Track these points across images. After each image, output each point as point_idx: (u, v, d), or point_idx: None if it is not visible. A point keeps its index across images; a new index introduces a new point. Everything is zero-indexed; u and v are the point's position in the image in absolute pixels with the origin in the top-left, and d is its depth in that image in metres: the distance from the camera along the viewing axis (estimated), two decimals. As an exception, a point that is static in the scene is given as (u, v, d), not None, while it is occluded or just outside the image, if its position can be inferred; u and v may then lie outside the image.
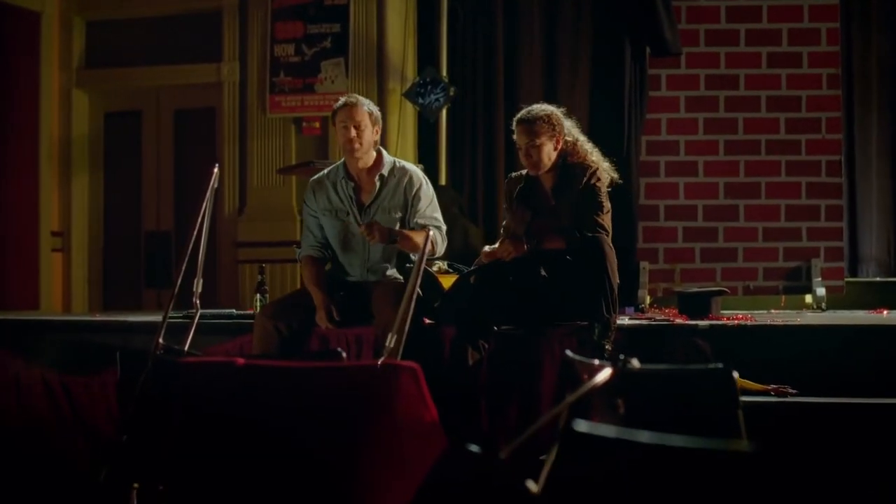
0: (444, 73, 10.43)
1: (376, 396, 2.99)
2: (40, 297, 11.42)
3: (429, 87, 10.37)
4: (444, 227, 6.86)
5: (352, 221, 6.88)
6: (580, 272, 6.37)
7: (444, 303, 6.81)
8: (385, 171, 6.88)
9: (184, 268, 4.61)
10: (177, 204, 11.60)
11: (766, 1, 9.92)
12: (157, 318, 8.09)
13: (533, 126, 6.58)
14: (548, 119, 6.60)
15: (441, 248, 6.83)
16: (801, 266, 9.78)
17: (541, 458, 5.43)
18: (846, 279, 9.95)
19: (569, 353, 3.51)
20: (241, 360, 3.10)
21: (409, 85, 10.48)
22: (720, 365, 3.07)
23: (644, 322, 7.02)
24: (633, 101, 9.84)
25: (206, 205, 4.54)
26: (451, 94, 10.36)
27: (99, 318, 8.57)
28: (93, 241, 11.82)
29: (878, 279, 10.20)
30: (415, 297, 4.60)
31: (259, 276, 7.76)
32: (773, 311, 9.10)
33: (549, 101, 10.09)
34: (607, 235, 6.43)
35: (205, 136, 11.46)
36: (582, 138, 6.77)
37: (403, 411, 3.00)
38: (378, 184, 6.86)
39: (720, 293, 7.48)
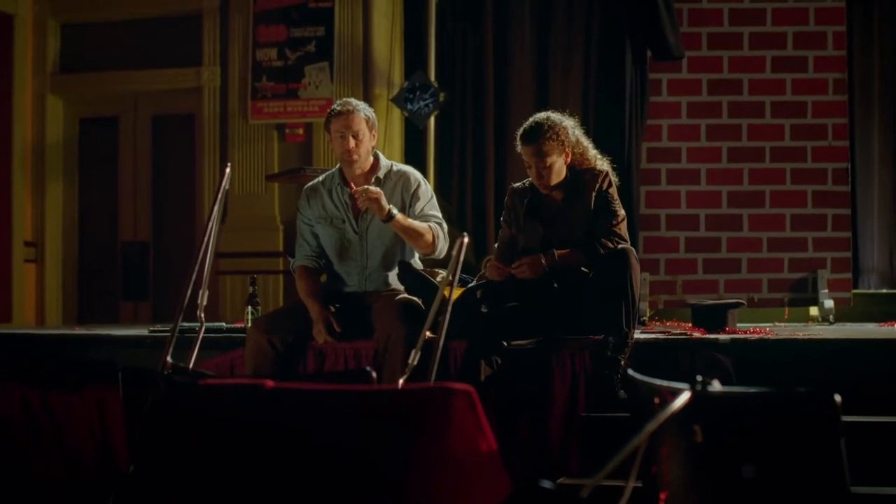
0: (433, 78, 10.16)
1: (426, 425, 2.63)
2: (13, 309, 11.19)
3: (417, 92, 10.09)
4: (445, 226, 6.64)
5: (348, 229, 6.65)
6: (601, 284, 6.15)
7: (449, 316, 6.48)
8: (381, 174, 6.64)
9: (193, 278, 4.22)
10: (154, 213, 11.44)
11: (770, 3, 9.69)
12: (141, 331, 7.88)
13: (542, 146, 6.31)
14: (555, 135, 6.33)
15: (443, 245, 6.57)
16: (808, 277, 9.57)
17: (559, 480, 5.06)
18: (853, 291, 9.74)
19: (632, 373, 3.15)
20: (269, 383, 2.73)
21: (395, 90, 10.25)
22: (812, 388, 2.72)
23: (661, 336, 6.73)
24: (633, 106, 9.57)
25: (217, 207, 4.18)
26: (441, 99, 10.09)
27: (80, 331, 8.25)
28: (67, 251, 11.60)
29: (884, 291, 9.99)
30: (451, 312, 4.28)
31: (251, 288, 7.42)
32: (777, 323, 8.84)
33: (542, 107, 9.96)
34: (626, 243, 6.24)
35: (184, 143, 11.29)
36: (586, 142, 6.54)
37: (458, 442, 2.64)
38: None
39: (736, 305, 7.18)
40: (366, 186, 6.35)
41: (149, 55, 11.21)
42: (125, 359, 7.23)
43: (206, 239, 4.14)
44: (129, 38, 11.28)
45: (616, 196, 6.37)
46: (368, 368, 3.46)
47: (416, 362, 4.07)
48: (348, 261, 6.67)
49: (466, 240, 3.85)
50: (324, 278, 6.83)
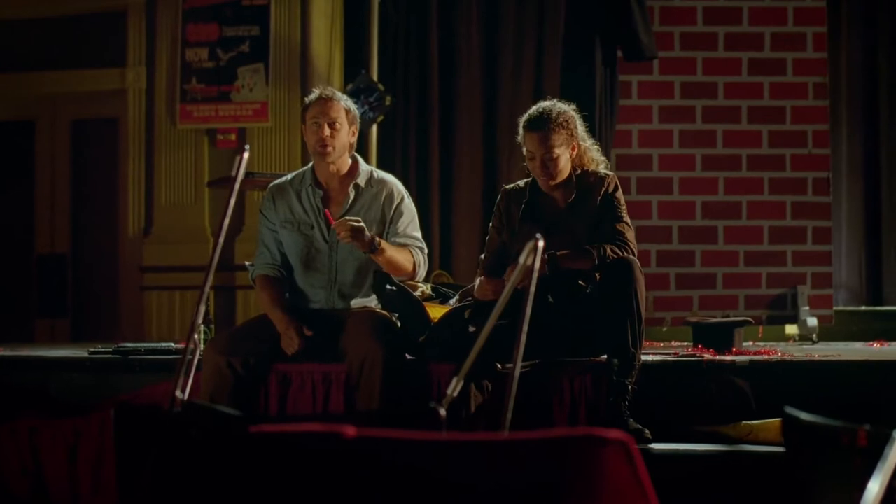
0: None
1: (569, 483, 1.96)
2: (-85, 328, 10.64)
3: (362, 95, 9.47)
4: (426, 250, 6.12)
5: (317, 236, 6.06)
6: (602, 299, 5.65)
7: (432, 337, 5.95)
8: (361, 181, 6.10)
9: (206, 288, 3.51)
10: (74, 224, 10.92)
11: (746, 2, 9.28)
12: (78, 353, 7.20)
13: (549, 133, 5.75)
14: (565, 122, 5.80)
15: (422, 273, 6.08)
16: (787, 293, 9.14)
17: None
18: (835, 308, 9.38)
19: (791, 410, 2.50)
20: (350, 431, 2.06)
21: (336, 94, 9.62)
22: None
23: (669, 358, 6.19)
24: (603, 110, 9.12)
25: (233, 200, 3.51)
26: (388, 103, 9.54)
27: (4, 352, 7.50)
28: (-23, 264, 11.04)
29: (862, 308, 9.79)
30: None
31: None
32: (752, 342, 8.36)
33: (490, 112, 9.49)
34: (633, 252, 5.69)
35: (106, 148, 10.77)
36: (588, 141, 6.01)
37: (611, 505, 1.98)
38: (352, 194, 6.06)
39: (743, 324, 6.65)
40: (346, 218, 5.77)
41: (68, 55, 10.70)
42: (60, 384, 6.71)
43: (218, 240, 3.45)
44: (48, 37, 10.75)
45: (623, 202, 5.88)
46: (433, 404, 2.78)
47: (456, 393, 3.40)
48: (314, 273, 6.07)
49: (541, 243, 3.20)
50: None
